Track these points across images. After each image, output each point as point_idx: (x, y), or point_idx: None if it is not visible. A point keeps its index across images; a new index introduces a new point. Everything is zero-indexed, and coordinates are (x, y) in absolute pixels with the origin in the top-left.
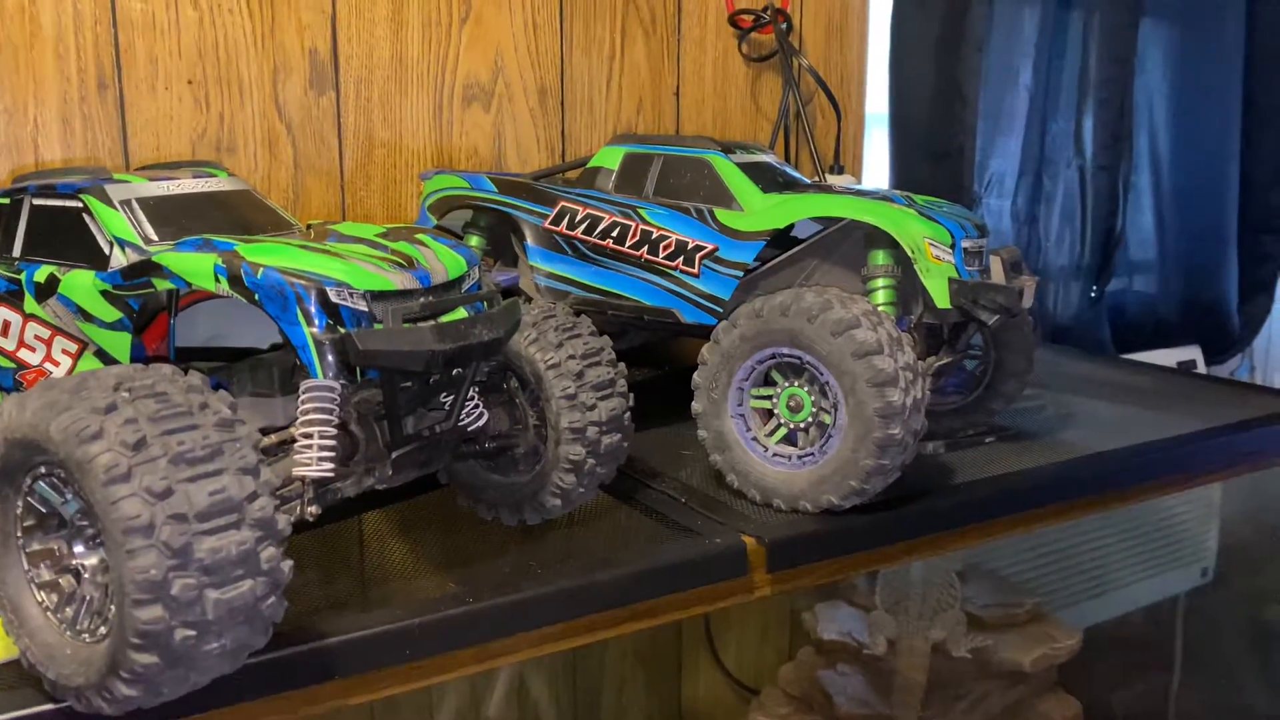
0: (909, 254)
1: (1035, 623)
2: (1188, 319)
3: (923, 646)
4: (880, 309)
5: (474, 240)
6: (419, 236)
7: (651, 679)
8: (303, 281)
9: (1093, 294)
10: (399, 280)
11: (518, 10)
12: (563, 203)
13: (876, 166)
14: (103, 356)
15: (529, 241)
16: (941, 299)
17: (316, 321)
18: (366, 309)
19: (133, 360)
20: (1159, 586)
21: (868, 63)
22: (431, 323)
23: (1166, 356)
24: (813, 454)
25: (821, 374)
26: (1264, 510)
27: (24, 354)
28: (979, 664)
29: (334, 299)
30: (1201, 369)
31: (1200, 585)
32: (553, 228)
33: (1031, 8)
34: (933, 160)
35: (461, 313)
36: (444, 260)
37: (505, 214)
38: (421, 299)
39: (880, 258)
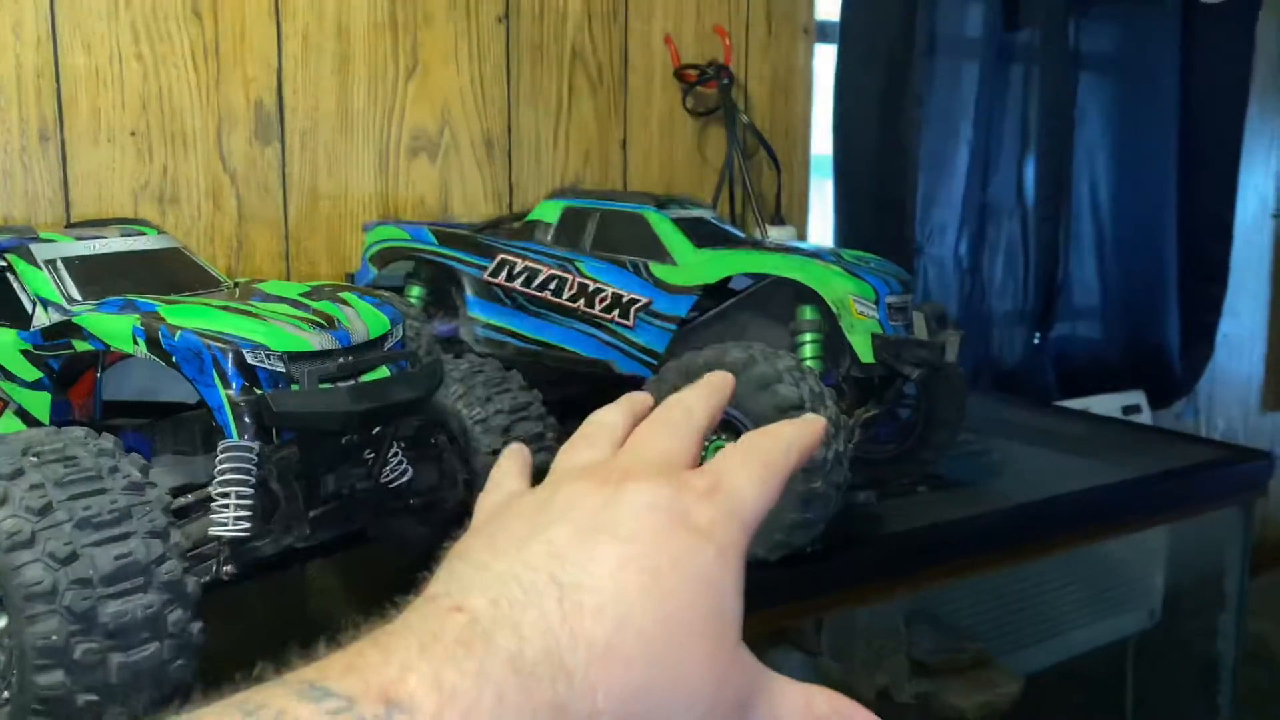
0: (834, 310)
1: (979, 668)
2: (1132, 364)
3: (868, 693)
4: (806, 363)
5: (415, 291)
6: (342, 295)
7: None
8: (219, 344)
9: (1036, 340)
10: (317, 341)
11: (464, 63)
12: (501, 255)
13: (826, 213)
14: (23, 415)
15: (468, 293)
16: (865, 354)
17: (233, 383)
18: (284, 370)
19: (54, 418)
20: (1107, 630)
21: (813, 115)
22: (350, 383)
23: (1111, 402)
24: None
25: (746, 428)
26: (1205, 553)
27: None
28: (923, 710)
29: (250, 360)
30: (1147, 413)
31: (1148, 628)
32: (492, 279)
33: (971, 63)
34: (877, 210)
35: (384, 371)
36: (365, 319)
37: (445, 265)
38: (340, 359)
39: (808, 313)
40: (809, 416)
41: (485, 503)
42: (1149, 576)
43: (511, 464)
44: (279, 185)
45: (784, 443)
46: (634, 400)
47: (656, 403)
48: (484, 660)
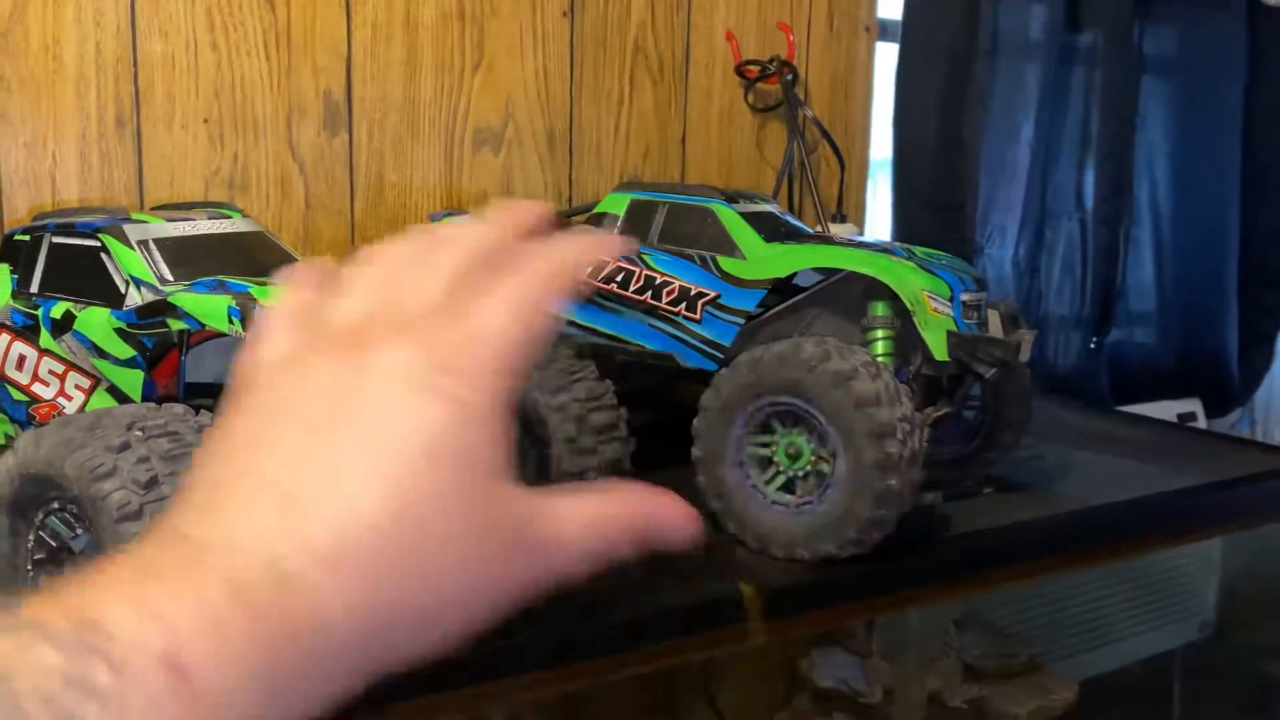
0: (908, 306)
1: (1031, 674)
2: (1188, 371)
3: (918, 696)
4: (879, 360)
5: None
6: None
7: None
8: None
9: (1092, 345)
10: None
11: (529, 57)
12: None
13: (880, 214)
14: (115, 393)
15: None
16: (939, 351)
17: None
18: None
19: (144, 397)
20: (1157, 640)
21: (872, 115)
22: None
23: (1167, 409)
24: (811, 502)
25: (820, 423)
26: (1263, 566)
27: (38, 388)
28: (975, 715)
29: None
30: (1202, 421)
31: (1198, 639)
32: None
33: (1034, 64)
34: (935, 211)
35: None
36: None
37: None
38: None
39: (880, 309)
40: (584, 230)
41: (247, 360)
42: (1201, 587)
43: (292, 297)
44: (346, 175)
45: (550, 268)
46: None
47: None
48: (200, 583)
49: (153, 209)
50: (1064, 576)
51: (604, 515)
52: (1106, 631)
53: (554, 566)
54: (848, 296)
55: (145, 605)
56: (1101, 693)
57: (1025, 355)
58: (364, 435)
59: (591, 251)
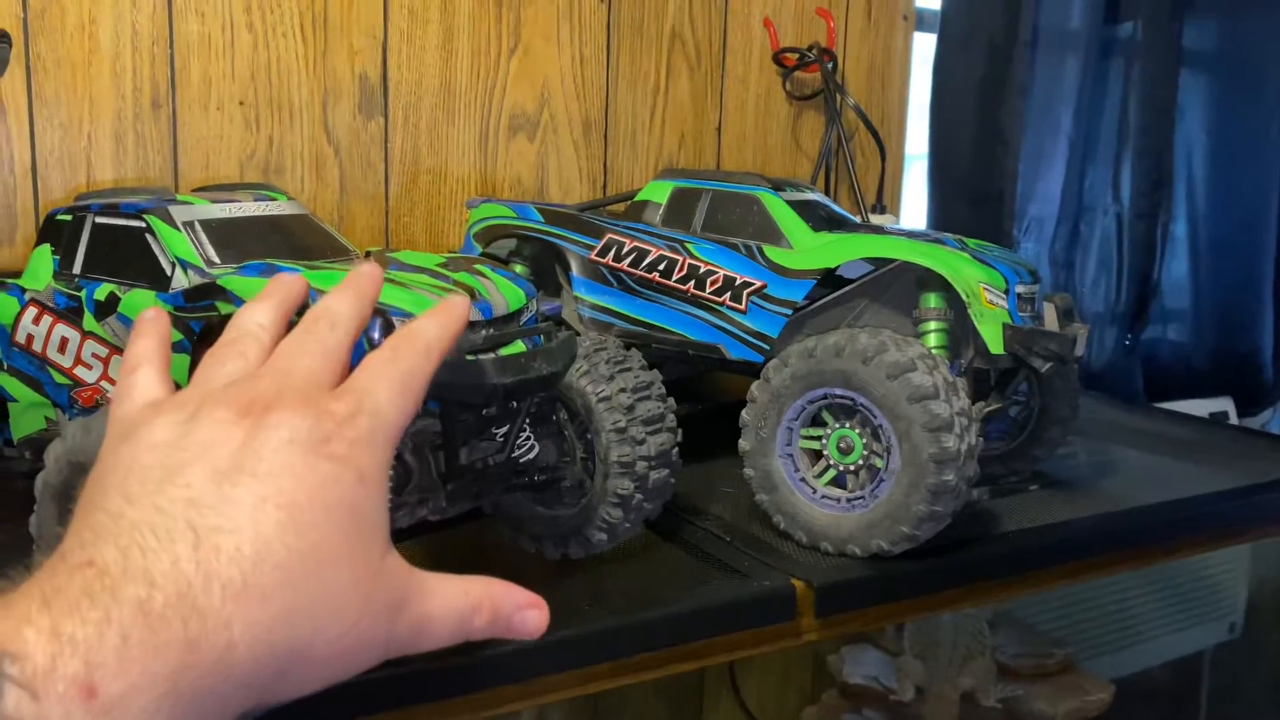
0: (963, 298)
1: (1066, 674)
2: (1221, 370)
3: (951, 695)
4: (933, 352)
5: (518, 269)
6: (478, 267)
7: (673, 717)
8: None
9: (1127, 341)
10: None
11: (565, 43)
12: (609, 235)
13: (913, 207)
14: None
15: (574, 272)
16: (995, 345)
17: None
18: None
19: None
20: (1187, 640)
21: (909, 106)
22: (493, 355)
23: (1199, 407)
24: (863, 497)
25: (875, 417)
26: None
27: (80, 371)
28: (1009, 714)
29: (398, 329)
30: (1233, 420)
31: (1228, 640)
32: (599, 259)
33: (1073, 56)
34: (972, 203)
35: (520, 346)
36: (504, 292)
37: (551, 244)
38: (483, 331)
39: (933, 301)
40: (448, 300)
41: (117, 412)
42: (1232, 587)
43: (145, 349)
44: (381, 160)
45: (423, 343)
46: (285, 291)
47: (770, 385)
48: (109, 608)
49: (195, 190)
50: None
51: (467, 604)
52: (1137, 631)
53: (420, 639)
54: (898, 288)
55: (57, 633)
56: (1131, 692)
57: (1080, 349)
58: (265, 486)
59: (456, 323)
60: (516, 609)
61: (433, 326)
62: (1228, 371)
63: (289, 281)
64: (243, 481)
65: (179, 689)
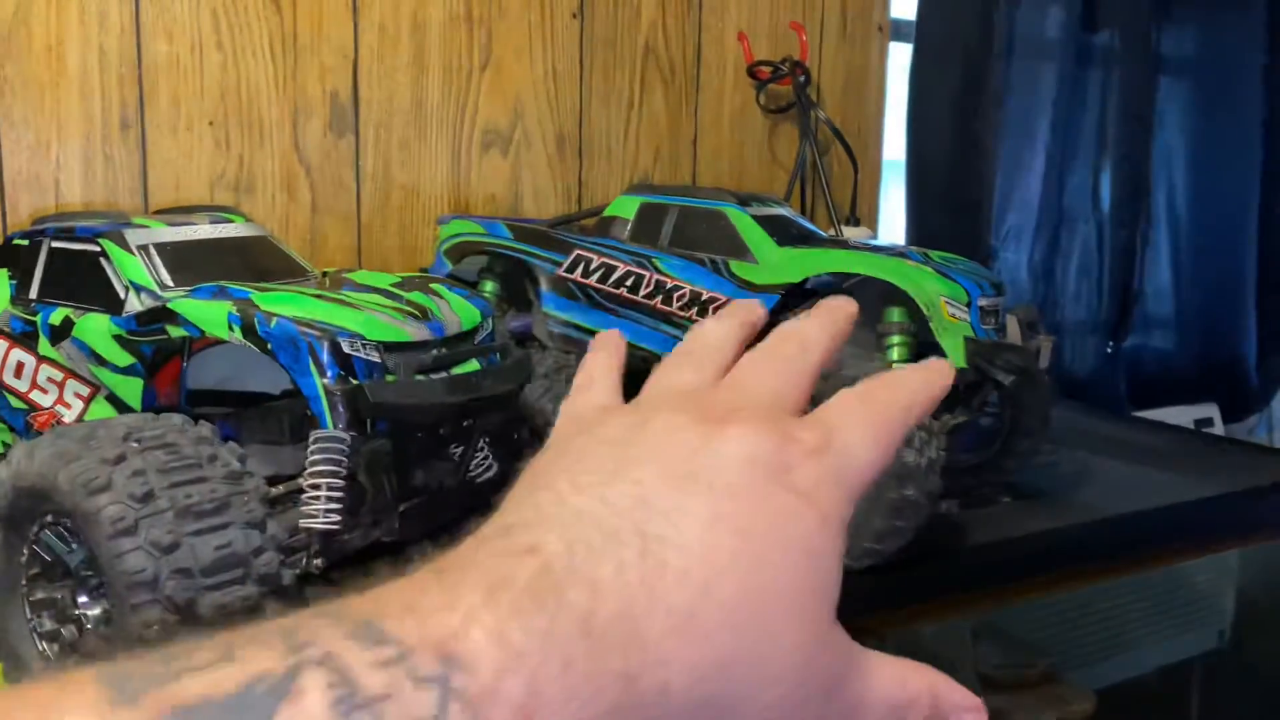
0: (925, 312)
1: (1048, 684)
2: (1205, 376)
3: None
4: (895, 366)
5: (489, 286)
6: (433, 286)
7: None
8: (316, 332)
9: (1109, 349)
10: (413, 331)
11: (538, 59)
12: (578, 251)
13: (893, 216)
14: (114, 401)
15: (543, 288)
16: (957, 358)
17: (329, 372)
18: (379, 360)
19: (144, 405)
20: (1174, 649)
21: (885, 116)
22: (444, 375)
23: (1183, 414)
24: None
25: None
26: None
27: (36, 396)
28: None
29: (347, 350)
30: (1219, 427)
31: (1216, 649)
32: (567, 275)
33: (1050, 65)
34: (950, 213)
35: (474, 364)
36: (458, 311)
37: (520, 260)
38: (434, 351)
39: (895, 315)
40: (936, 361)
41: (569, 410)
42: (1219, 595)
43: (604, 361)
44: (353, 178)
45: (906, 396)
46: (746, 312)
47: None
48: (554, 617)
49: (155, 213)
50: (1082, 587)
51: (905, 695)
52: (1124, 640)
53: None
54: (862, 302)
55: (503, 641)
56: (1119, 702)
57: (1045, 362)
58: (721, 504)
59: (942, 386)
60: (956, 710)
61: (917, 380)
62: (1212, 378)
63: (750, 304)
64: (697, 491)
65: None
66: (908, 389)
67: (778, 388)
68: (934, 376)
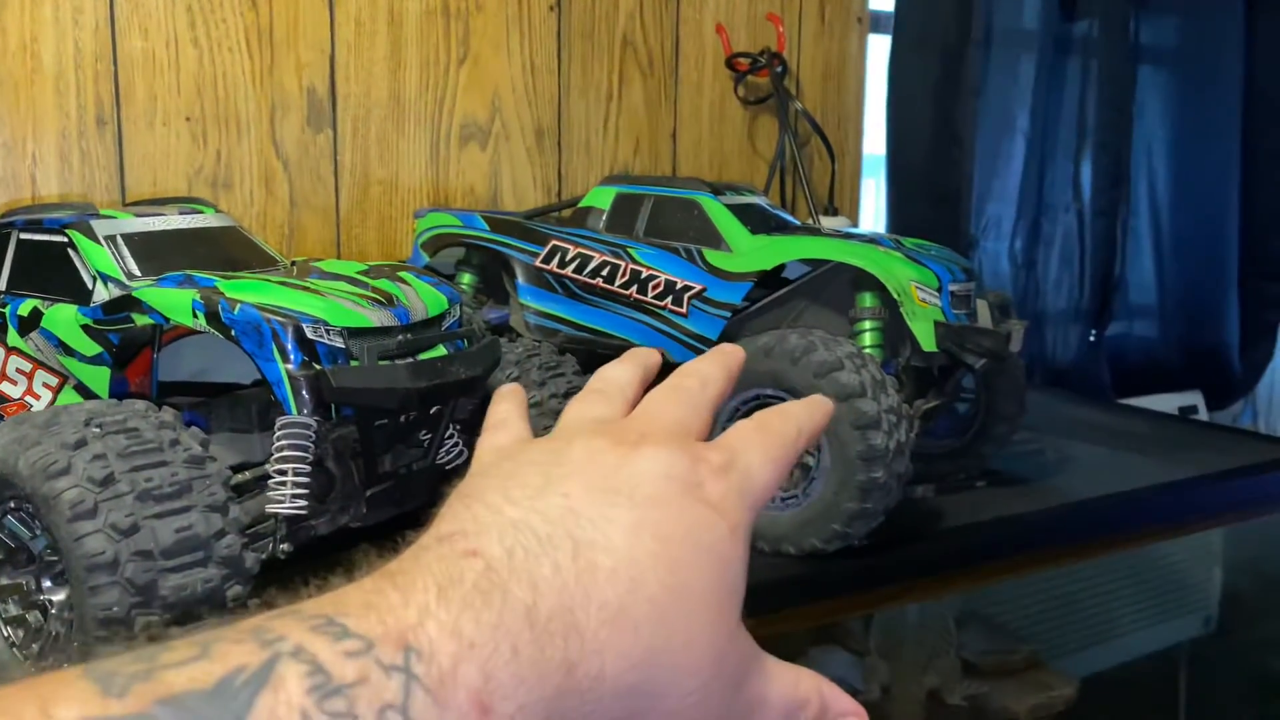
0: (895, 297)
1: (1032, 671)
2: (1189, 364)
3: (917, 694)
4: (866, 351)
5: (466, 278)
6: (400, 274)
7: None
8: (279, 318)
9: (1091, 338)
10: (376, 317)
11: (515, 52)
12: (554, 241)
13: (876, 208)
14: (83, 391)
15: (520, 279)
16: (927, 342)
17: (292, 358)
18: (343, 346)
19: (113, 395)
20: (1160, 635)
21: (865, 106)
22: (408, 360)
23: (1167, 401)
24: (796, 496)
25: None
26: (1266, 559)
27: (5, 387)
28: (974, 712)
29: (310, 335)
30: (1204, 414)
31: (1203, 634)
32: (543, 266)
33: (1029, 54)
34: (930, 203)
35: (440, 350)
36: (424, 298)
37: (497, 252)
38: (399, 336)
39: (867, 300)
40: (817, 397)
41: (487, 443)
42: (1205, 581)
43: (512, 405)
44: (331, 172)
45: (795, 425)
46: (645, 356)
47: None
48: (501, 611)
49: (125, 205)
50: (1064, 571)
51: (796, 696)
52: (1111, 627)
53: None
54: (835, 288)
55: (457, 633)
56: (1106, 688)
57: (1016, 346)
58: (642, 512)
59: (823, 416)
60: (842, 714)
61: (803, 412)
62: (1196, 365)
63: (649, 351)
64: (620, 503)
65: (551, 713)
66: (796, 420)
67: (682, 417)
68: (815, 409)
